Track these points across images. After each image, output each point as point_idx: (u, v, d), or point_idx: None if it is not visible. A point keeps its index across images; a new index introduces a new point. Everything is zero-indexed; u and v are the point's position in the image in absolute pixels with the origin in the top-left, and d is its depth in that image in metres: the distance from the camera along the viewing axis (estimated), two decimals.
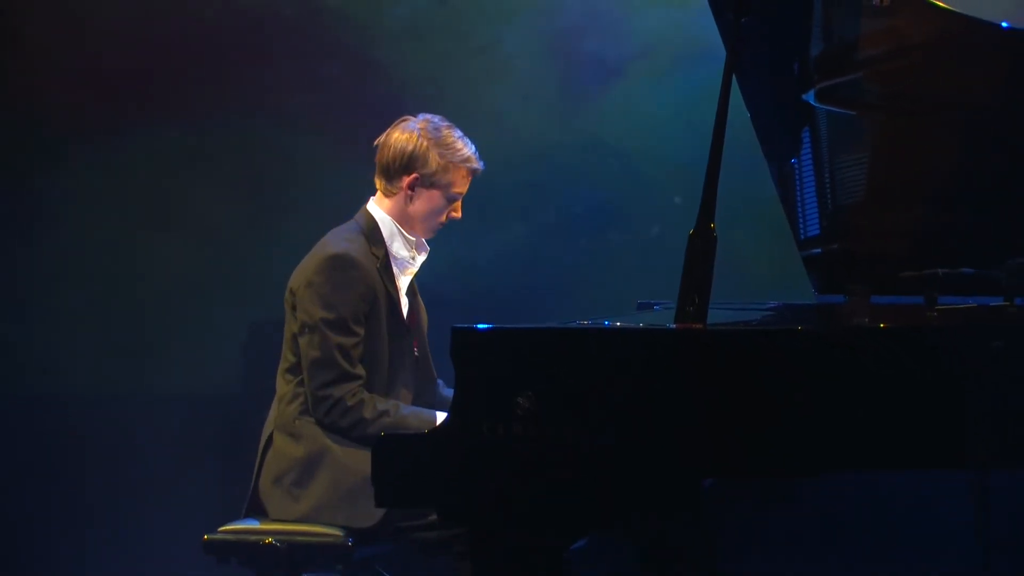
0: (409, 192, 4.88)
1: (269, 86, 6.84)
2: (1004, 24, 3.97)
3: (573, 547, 3.83)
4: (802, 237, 4.70)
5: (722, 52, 4.10)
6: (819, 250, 4.59)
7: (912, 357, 3.77)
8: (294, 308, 4.81)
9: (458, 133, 4.92)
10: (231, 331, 6.71)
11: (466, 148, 4.91)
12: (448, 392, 4.86)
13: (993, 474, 3.67)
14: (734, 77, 4.07)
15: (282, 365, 4.86)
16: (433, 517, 4.52)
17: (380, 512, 4.57)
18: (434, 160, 4.86)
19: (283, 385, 4.84)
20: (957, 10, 3.97)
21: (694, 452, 3.74)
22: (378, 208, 4.92)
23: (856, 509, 6.37)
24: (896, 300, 4.30)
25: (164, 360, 6.85)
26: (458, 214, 4.96)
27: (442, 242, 6.37)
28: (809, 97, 4.39)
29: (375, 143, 4.95)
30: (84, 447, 6.81)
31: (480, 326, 3.87)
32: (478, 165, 4.93)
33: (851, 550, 6.62)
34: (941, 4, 4.01)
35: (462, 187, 4.92)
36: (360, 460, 4.61)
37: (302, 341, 4.75)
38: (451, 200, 4.91)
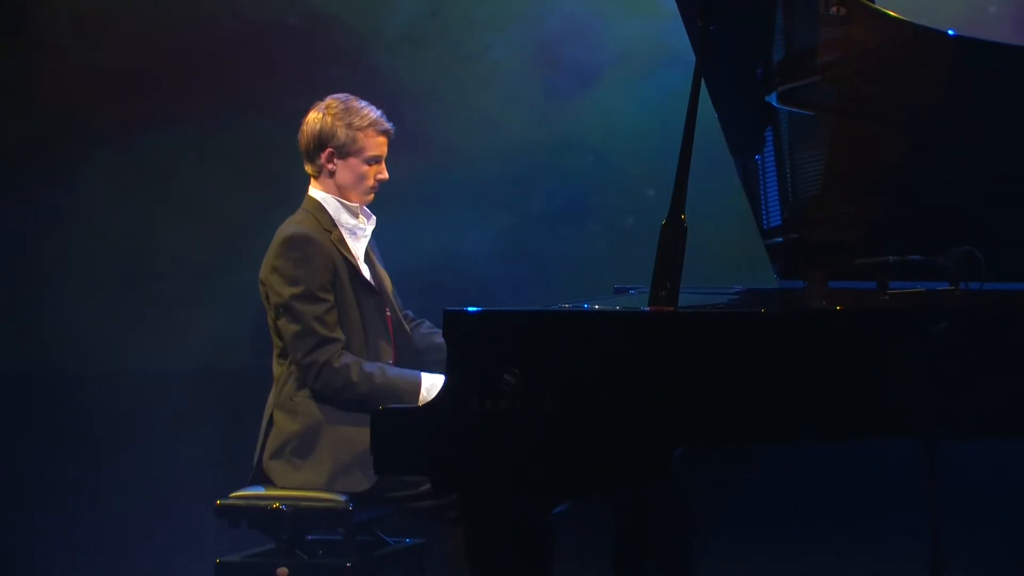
0: (330, 167, 4.90)
1: (276, 89, 6.83)
2: (950, 32, 3.98)
3: (556, 512, 3.83)
4: (765, 227, 4.70)
5: (692, 58, 4.10)
6: (780, 239, 4.59)
7: (866, 337, 3.78)
8: (267, 297, 4.82)
9: (362, 103, 4.93)
10: (239, 312, 6.71)
11: (370, 113, 4.91)
12: (438, 338, 4.85)
13: (940, 443, 3.68)
14: (703, 81, 4.06)
15: (274, 352, 4.87)
16: (427, 486, 4.54)
17: (372, 479, 4.58)
18: (341, 131, 4.87)
19: (277, 368, 4.85)
20: (907, 18, 3.98)
21: (665, 423, 3.74)
22: (316, 190, 4.94)
23: (814, 476, 6.39)
24: (851, 285, 4.31)
25: (178, 338, 6.85)
26: (384, 176, 4.94)
27: (434, 232, 6.38)
28: (771, 99, 4.39)
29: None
30: (104, 419, 6.81)
31: (470, 309, 3.86)
32: (387, 126, 4.93)
33: (810, 514, 6.64)
34: (892, 13, 4.01)
35: (377, 150, 4.92)
36: (352, 432, 4.63)
37: (280, 323, 4.75)
38: (371, 163, 4.91)
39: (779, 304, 4.68)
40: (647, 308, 3.87)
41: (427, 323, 5.10)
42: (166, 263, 6.90)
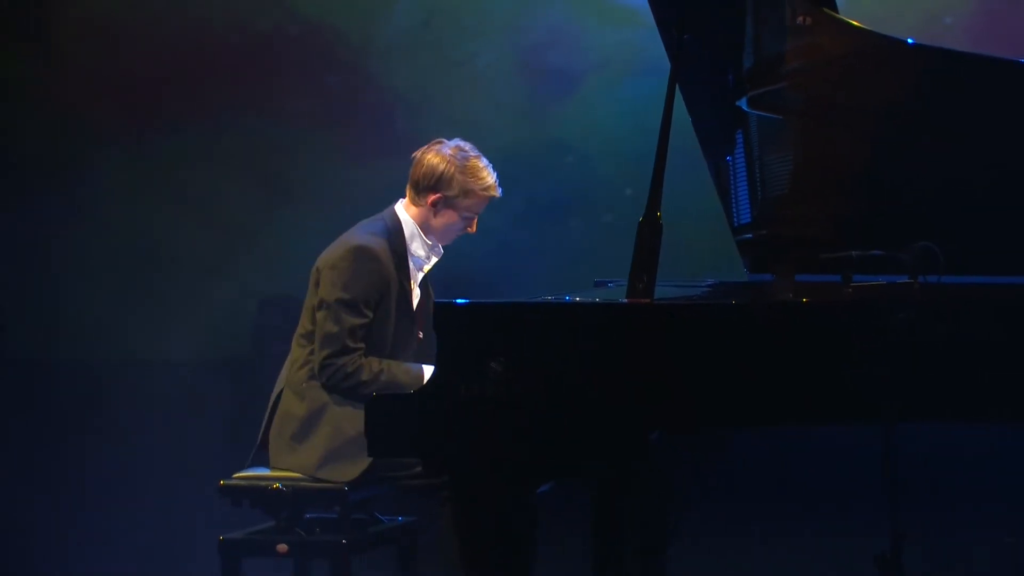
0: (432, 208, 4.82)
1: (276, 93, 6.83)
2: (909, 40, 3.98)
3: (540, 491, 3.84)
4: (735, 224, 4.70)
5: (667, 65, 4.10)
6: (750, 235, 4.60)
7: (830, 327, 3.79)
8: (317, 284, 4.79)
9: (484, 162, 4.83)
10: (242, 305, 6.71)
11: (488, 178, 4.82)
12: None
13: (898, 428, 3.69)
14: (677, 86, 4.07)
15: (299, 331, 4.83)
16: (418, 468, 4.53)
17: (362, 468, 4.60)
18: (458, 185, 4.78)
19: (296, 349, 4.82)
20: (869, 27, 3.98)
21: (642, 408, 3.75)
22: (404, 212, 4.86)
23: (782, 459, 6.41)
24: (816, 279, 4.31)
25: (183, 329, 6.84)
26: (473, 230, 4.89)
27: None
28: (742, 103, 4.39)
29: (412, 156, 4.87)
30: (112, 405, 6.81)
31: (458, 301, 3.86)
32: (497, 193, 4.85)
33: (778, 494, 6.65)
34: (855, 23, 4.01)
35: (479, 209, 4.85)
36: (352, 422, 4.62)
37: (319, 314, 4.73)
38: (467, 220, 4.85)
39: (749, 296, 4.68)
40: (625, 300, 3.88)
41: None
42: (172, 258, 6.90)
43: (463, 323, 3.85)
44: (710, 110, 4.52)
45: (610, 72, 6.78)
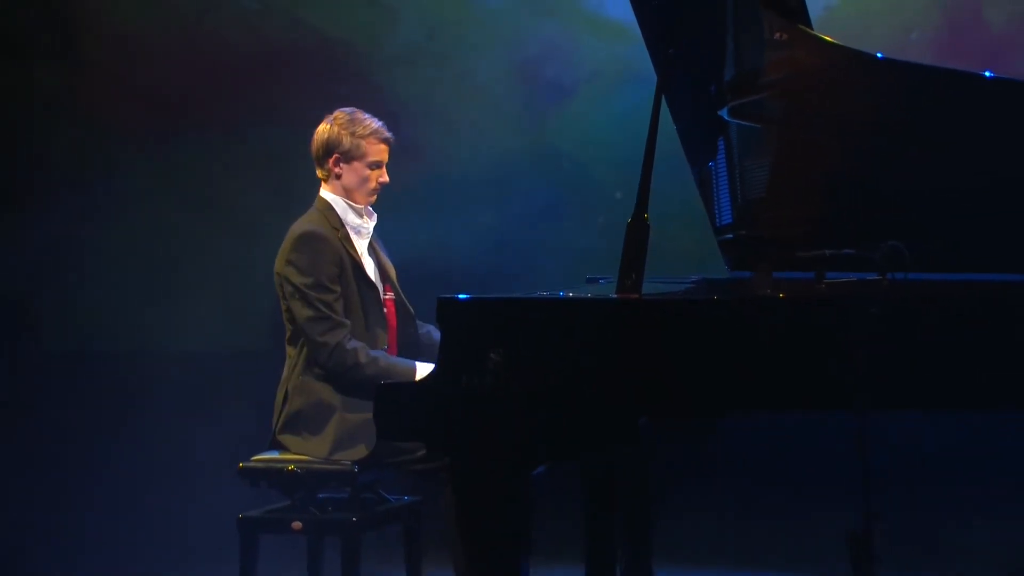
0: (336, 170, 4.88)
1: (291, 102, 6.84)
2: (879, 54, 3.98)
3: (535, 473, 3.84)
4: (717, 225, 4.70)
5: (654, 77, 4.10)
6: (731, 235, 4.59)
7: (805, 321, 3.79)
8: (282, 287, 4.80)
9: (365, 115, 4.91)
10: (256, 299, 6.71)
11: (372, 123, 4.89)
12: (436, 335, 4.84)
13: (871, 415, 3.69)
14: (663, 97, 4.07)
15: (286, 336, 4.85)
16: (422, 452, 4.54)
17: (366, 451, 4.61)
18: (346, 139, 4.85)
19: (289, 351, 4.84)
20: (841, 42, 3.98)
21: (631, 396, 3.75)
22: (326, 192, 4.91)
23: (761, 444, 6.41)
24: (792, 275, 4.31)
25: (204, 323, 6.85)
26: (385, 179, 4.91)
27: (428, 228, 6.37)
28: (723, 113, 4.38)
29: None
30: (139, 392, 6.82)
31: (460, 296, 3.86)
32: (387, 134, 4.90)
33: (759, 477, 6.67)
34: (828, 38, 4.01)
35: (378, 155, 4.89)
36: (353, 410, 4.63)
37: (294, 307, 4.73)
38: (372, 167, 4.88)
39: (730, 292, 4.68)
40: (615, 295, 3.88)
41: (431, 327, 5.04)
42: (193, 255, 6.91)
43: (464, 317, 3.85)
44: (694, 119, 4.52)
45: (601, 83, 6.79)
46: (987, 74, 3.97)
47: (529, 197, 6.81)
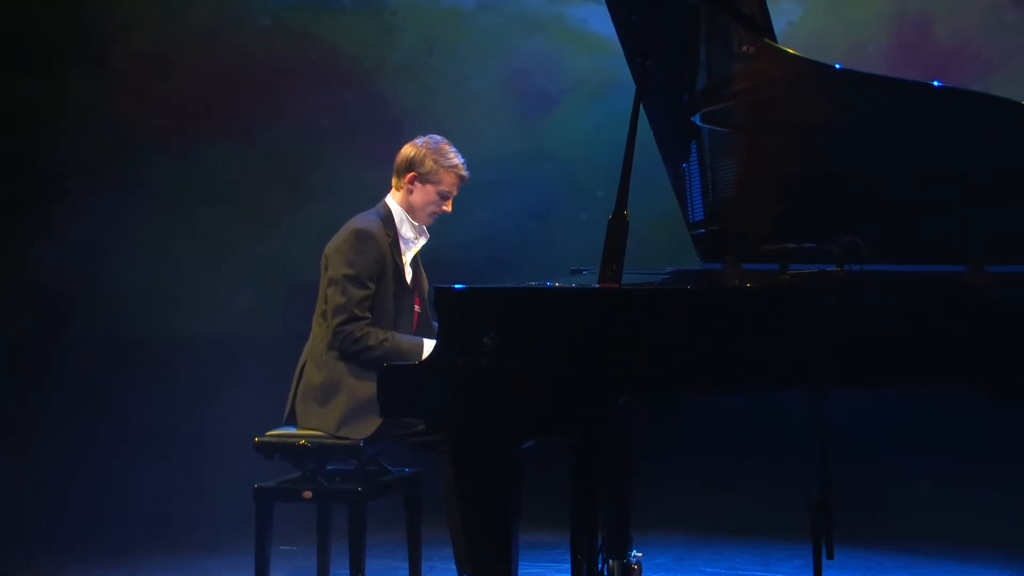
0: (410, 186, 4.84)
1: (301, 109, 6.84)
2: (837, 66, 3.98)
3: (524, 447, 3.83)
4: (690, 221, 4.69)
5: (633, 86, 4.10)
6: (703, 230, 4.59)
7: (770, 308, 3.79)
8: (326, 267, 4.79)
9: (452, 147, 4.87)
10: (271, 288, 6.71)
11: (455, 158, 4.85)
12: None
13: (828, 392, 3.69)
14: (641, 104, 4.06)
15: (316, 311, 4.82)
16: (422, 427, 4.53)
17: (375, 426, 4.61)
18: (428, 163, 4.81)
19: (316, 327, 4.81)
20: (803, 55, 3.97)
21: (611, 378, 3.74)
22: (391, 200, 4.88)
23: (729, 419, 6.42)
24: (758, 267, 4.31)
25: (224, 310, 6.85)
26: (448, 209, 4.88)
27: (428, 226, 6.32)
28: (695, 119, 4.38)
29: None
30: (164, 374, 6.82)
31: (456, 286, 3.85)
32: (464, 172, 4.86)
33: (726, 451, 6.68)
34: (791, 51, 4.00)
35: (450, 188, 4.85)
36: (365, 389, 4.62)
37: (330, 291, 4.73)
38: (442, 196, 4.85)
39: (702, 282, 4.68)
40: (597, 285, 3.87)
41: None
42: (214, 250, 6.90)
43: (460, 305, 3.84)
44: (669, 124, 4.51)
45: (585, 92, 6.80)
46: (935, 84, 3.97)
47: (519, 196, 6.82)
